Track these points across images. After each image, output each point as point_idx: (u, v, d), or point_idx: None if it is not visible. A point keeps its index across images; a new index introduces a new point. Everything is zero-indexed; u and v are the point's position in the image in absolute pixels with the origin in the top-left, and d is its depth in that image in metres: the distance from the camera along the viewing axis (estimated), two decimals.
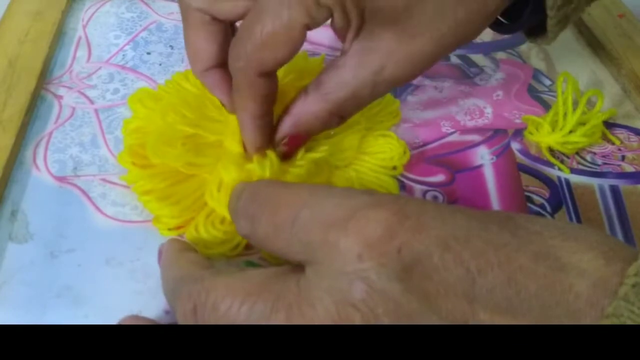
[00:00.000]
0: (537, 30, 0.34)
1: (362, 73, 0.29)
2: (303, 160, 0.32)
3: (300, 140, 0.32)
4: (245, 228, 0.26)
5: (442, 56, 0.31)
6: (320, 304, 0.21)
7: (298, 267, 0.23)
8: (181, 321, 0.24)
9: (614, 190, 0.36)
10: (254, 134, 0.31)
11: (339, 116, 0.31)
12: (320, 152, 0.33)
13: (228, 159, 0.31)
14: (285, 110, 0.31)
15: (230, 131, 0.33)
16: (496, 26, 0.34)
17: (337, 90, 0.29)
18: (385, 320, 0.21)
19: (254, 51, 0.28)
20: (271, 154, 0.31)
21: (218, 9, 0.30)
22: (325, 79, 0.30)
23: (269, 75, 0.29)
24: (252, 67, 0.28)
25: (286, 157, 0.32)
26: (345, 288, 0.21)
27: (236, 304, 0.23)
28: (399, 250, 0.21)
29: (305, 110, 0.30)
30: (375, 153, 0.36)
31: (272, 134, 0.32)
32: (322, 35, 0.45)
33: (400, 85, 0.32)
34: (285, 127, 0.31)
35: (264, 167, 0.31)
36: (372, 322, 0.21)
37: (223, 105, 0.33)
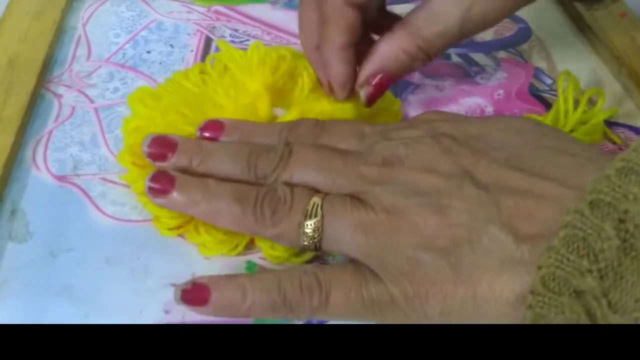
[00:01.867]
0: None
1: (452, 10, 0.30)
2: None
3: (386, 81, 0.32)
4: None
5: None
6: None
7: None
8: None
9: None
10: (340, 66, 0.31)
11: (426, 53, 0.31)
12: None
13: None
14: (370, 50, 0.31)
15: None
16: None
17: (426, 26, 0.30)
18: None
19: None
20: None
21: None
22: (414, 17, 0.31)
23: (358, 5, 0.30)
24: None
25: (371, 99, 0.32)
26: None
27: None
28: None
29: (393, 46, 0.31)
30: None
31: (356, 73, 0.32)
32: None
33: (488, 27, 0.32)
34: (372, 64, 0.31)
35: None
36: None
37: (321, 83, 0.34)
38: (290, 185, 0.29)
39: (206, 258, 0.31)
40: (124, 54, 0.43)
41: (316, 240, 0.28)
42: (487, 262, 0.25)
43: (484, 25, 0.31)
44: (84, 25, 0.45)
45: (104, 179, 0.34)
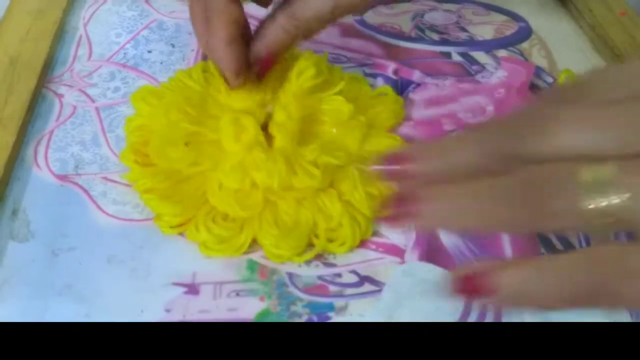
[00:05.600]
0: None
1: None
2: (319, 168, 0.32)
3: (272, 57, 0.34)
4: None
5: None
6: None
7: None
8: None
9: None
10: (229, 58, 0.33)
11: (303, 32, 0.33)
12: (337, 158, 0.33)
13: (227, 164, 0.32)
14: (255, 33, 0.33)
15: (225, 131, 0.33)
16: None
17: (302, 10, 0.33)
18: None
19: None
20: (279, 163, 0.31)
21: None
22: (293, 3, 0.33)
23: (238, 0, 0.32)
24: None
25: (261, 75, 0.34)
26: None
27: None
28: None
29: (275, 27, 0.33)
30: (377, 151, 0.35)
31: (245, 61, 0.33)
32: (325, 34, 0.45)
33: (355, 13, 0.36)
34: (258, 46, 0.33)
35: (272, 175, 0.31)
36: None
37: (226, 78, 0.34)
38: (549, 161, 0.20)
39: (207, 257, 0.31)
40: (125, 53, 0.43)
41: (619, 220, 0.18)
42: None
43: (352, 11, 0.34)
44: (85, 25, 0.45)
45: (105, 178, 0.34)
